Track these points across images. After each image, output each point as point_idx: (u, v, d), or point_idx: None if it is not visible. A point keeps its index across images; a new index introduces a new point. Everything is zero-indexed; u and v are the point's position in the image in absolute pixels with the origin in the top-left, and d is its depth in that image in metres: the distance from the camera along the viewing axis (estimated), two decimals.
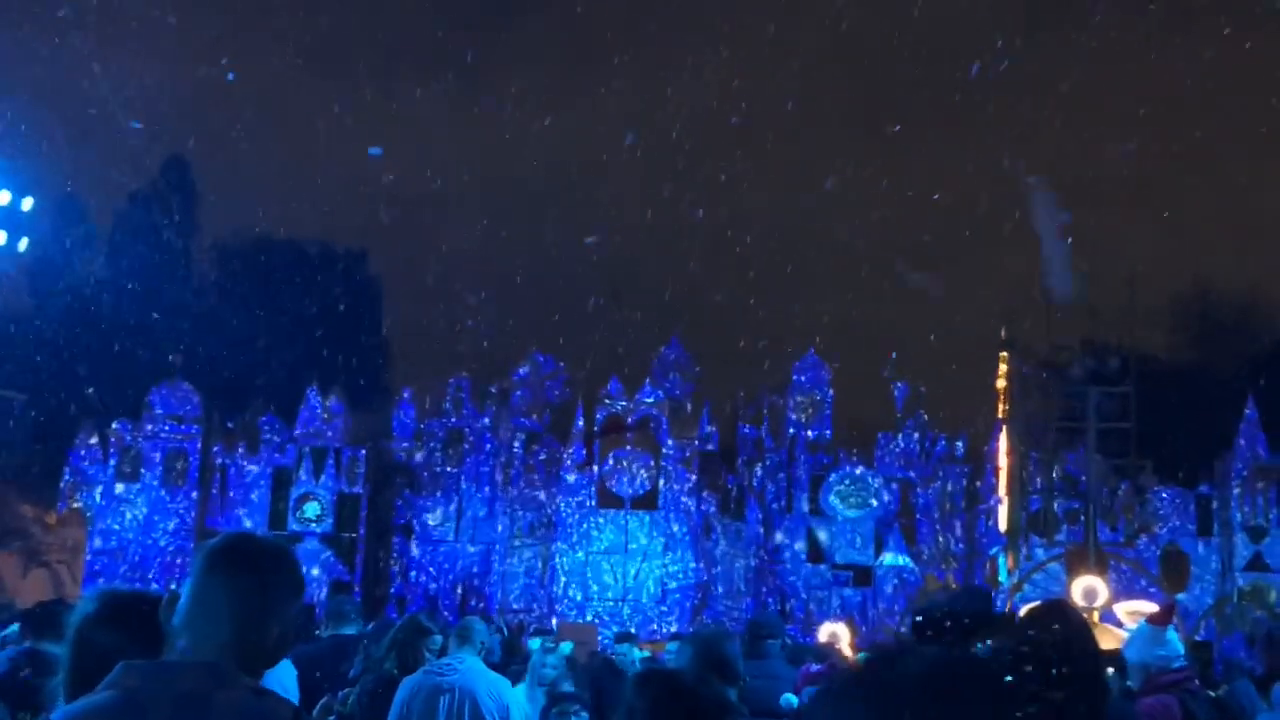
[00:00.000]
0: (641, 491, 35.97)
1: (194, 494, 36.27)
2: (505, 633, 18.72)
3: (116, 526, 35.85)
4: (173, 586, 3.04)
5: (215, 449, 36.66)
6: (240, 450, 36.71)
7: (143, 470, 36.10)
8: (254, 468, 36.63)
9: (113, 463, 36.17)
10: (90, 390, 37.89)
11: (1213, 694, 7.50)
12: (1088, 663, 4.53)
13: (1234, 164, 72.04)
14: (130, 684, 2.74)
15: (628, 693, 3.63)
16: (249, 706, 2.76)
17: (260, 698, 2.80)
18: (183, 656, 2.84)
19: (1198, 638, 30.37)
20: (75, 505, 35.46)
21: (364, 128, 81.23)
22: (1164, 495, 35.69)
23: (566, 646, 11.77)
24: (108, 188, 48.18)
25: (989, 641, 4.06)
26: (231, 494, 36.59)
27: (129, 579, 33.17)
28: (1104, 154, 76.75)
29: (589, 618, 33.86)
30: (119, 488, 35.93)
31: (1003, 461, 35.17)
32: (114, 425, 36.38)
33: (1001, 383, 36.00)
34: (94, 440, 36.48)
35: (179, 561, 35.01)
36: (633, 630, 30.43)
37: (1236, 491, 35.28)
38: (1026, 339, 35.73)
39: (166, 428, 36.25)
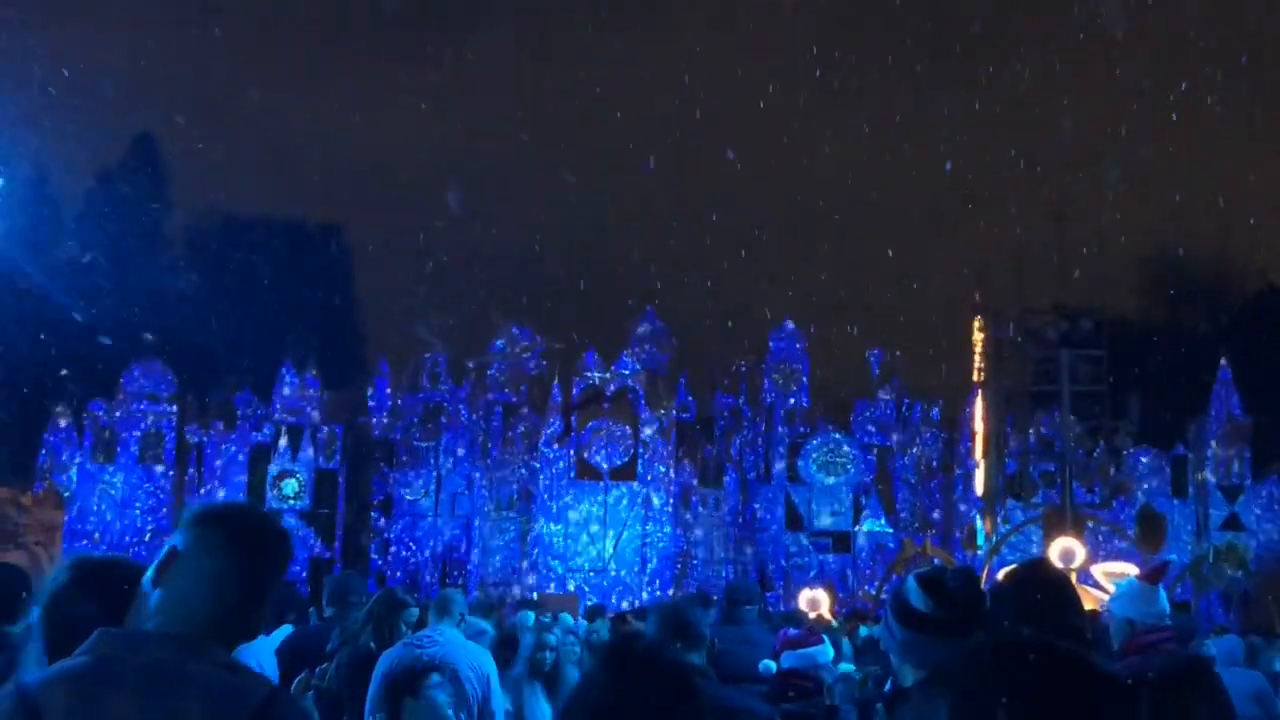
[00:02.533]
0: (620, 463, 35.96)
1: (170, 473, 36.18)
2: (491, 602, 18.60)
3: (93, 507, 35.74)
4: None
5: (191, 427, 36.53)
6: (216, 428, 36.59)
7: (118, 450, 35.98)
8: (231, 446, 36.52)
9: (88, 443, 36.03)
10: (64, 371, 37.66)
11: (1192, 651, 7.54)
12: (1066, 615, 4.55)
13: (1205, 128, 72.26)
14: (104, 651, 2.70)
15: (589, 662, 3.62)
16: (222, 681, 2.70)
17: (234, 673, 2.74)
18: (158, 626, 2.77)
19: (1174, 597, 30.60)
20: (51, 485, 35.30)
21: (337, 102, 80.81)
22: (1139, 457, 35.88)
23: (568, 619, 11.49)
24: (77, 166, 47.83)
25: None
26: (208, 472, 36.49)
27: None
28: (1077, 121, 76.86)
29: (570, 589, 33.89)
30: (95, 468, 35.81)
31: (978, 426, 35.31)
32: (89, 405, 36.22)
33: (976, 348, 36.10)
34: (69, 420, 36.30)
35: (156, 541, 34.92)
36: (615, 600, 30.53)
37: (1211, 452, 35.49)
38: (1000, 303, 35.84)
39: (142, 407, 36.12)
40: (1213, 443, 35.46)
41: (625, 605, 29.24)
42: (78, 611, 3.15)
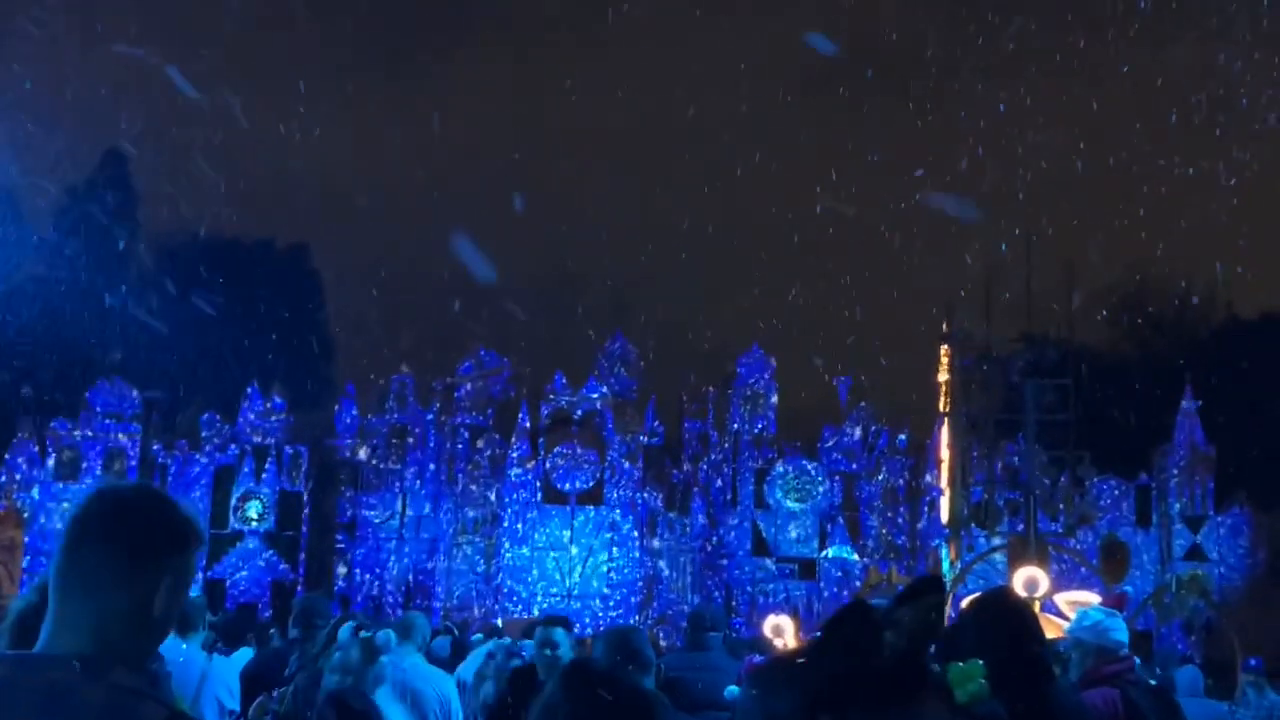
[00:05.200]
0: (586, 487, 35.92)
1: None
2: (455, 633, 18.58)
3: (55, 526, 35.41)
4: None
5: (155, 447, 36.28)
6: (181, 448, 36.35)
7: (82, 469, 35.69)
8: (195, 466, 36.29)
9: (51, 461, 35.73)
10: (27, 389, 37.37)
11: (1152, 682, 7.56)
12: (1030, 645, 4.56)
13: (1171, 158, 72.87)
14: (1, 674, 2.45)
15: (548, 687, 3.62)
16: (117, 706, 2.41)
17: (131, 697, 2.43)
18: (47, 646, 2.50)
19: (1137, 627, 30.70)
20: (13, 505, 34.98)
21: (307, 124, 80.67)
22: (1103, 486, 36.05)
23: (508, 641, 11.32)
24: (45, 184, 47.55)
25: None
26: (172, 492, 35.89)
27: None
28: (1045, 150, 77.37)
29: (535, 614, 33.78)
30: (57, 487, 35.50)
31: (944, 454, 35.40)
32: (52, 424, 35.93)
33: (943, 375, 36.22)
34: (31, 439, 35.99)
35: None
36: (580, 626, 30.39)
37: (1175, 482, 35.69)
38: (967, 332, 35.96)
39: (105, 426, 35.85)
40: (1176, 472, 35.66)
41: (579, 630, 29.14)
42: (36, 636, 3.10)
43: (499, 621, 29.18)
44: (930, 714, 2.18)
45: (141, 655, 2.52)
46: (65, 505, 35.34)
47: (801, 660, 2.53)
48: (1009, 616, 4.61)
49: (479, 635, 16.62)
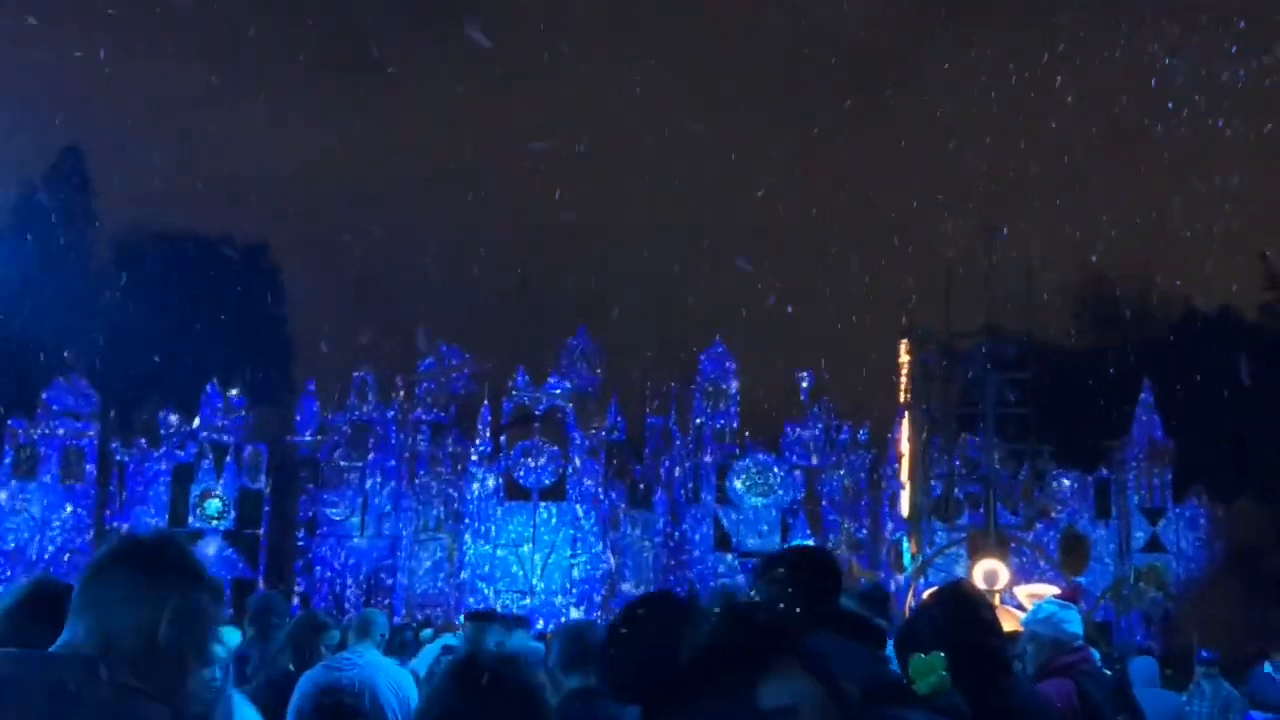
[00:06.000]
0: (549, 483, 35.88)
1: (93, 491, 35.63)
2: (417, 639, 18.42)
3: (13, 525, 35.12)
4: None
5: (114, 445, 36.01)
6: (140, 446, 36.10)
7: (39, 468, 35.40)
8: (154, 464, 36.03)
9: (8, 460, 35.42)
10: None
11: (1108, 673, 7.61)
12: (988, 638, 4.57)
13: (1131, 153, 73.38)
14: (1, 671, 2.63)
15: (434, 680, 3.62)
16: (123, 705, 2.61)
17: (137, 696, 2.64)
18: (62, 649, 2.71)
19: (1096, 618, 30.93)
20: None
21: (265, 118, 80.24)
22: (1063, 479, 36.28)
23: (449, 638, 11.02)
24: (1, 179, 47.04)
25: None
26: (131, 491, 35.97)
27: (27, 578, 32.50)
28: (1005, 146, 77.84)
29: (499, 610, 33.71)
30: (14, 485, 35.20)
31: (904, 448, 35.57)
32: (9, 422, 35.61)
33: (903, 369, 36.37)
34: None
35: (77, 560, 34.38)
36: (543, 623, 30.37)
37: (1133, 475, 35.95)
38: (927, 326, 36.13)
39: (63, 425, 35.55)
40: (1134, 465, 35.93)
41: (544, 626, 29.11)
42: (28, 633, 3.12)
43: (460, 618, 29.13)
44: (774, 691, 2.14)
45: (153, 674, 2.71)
46: (21, 503, 35.09)
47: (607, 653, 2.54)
48: (967, 609, 4.62)
49: (428, 631, 16.51)
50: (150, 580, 2.80)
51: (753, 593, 4.40)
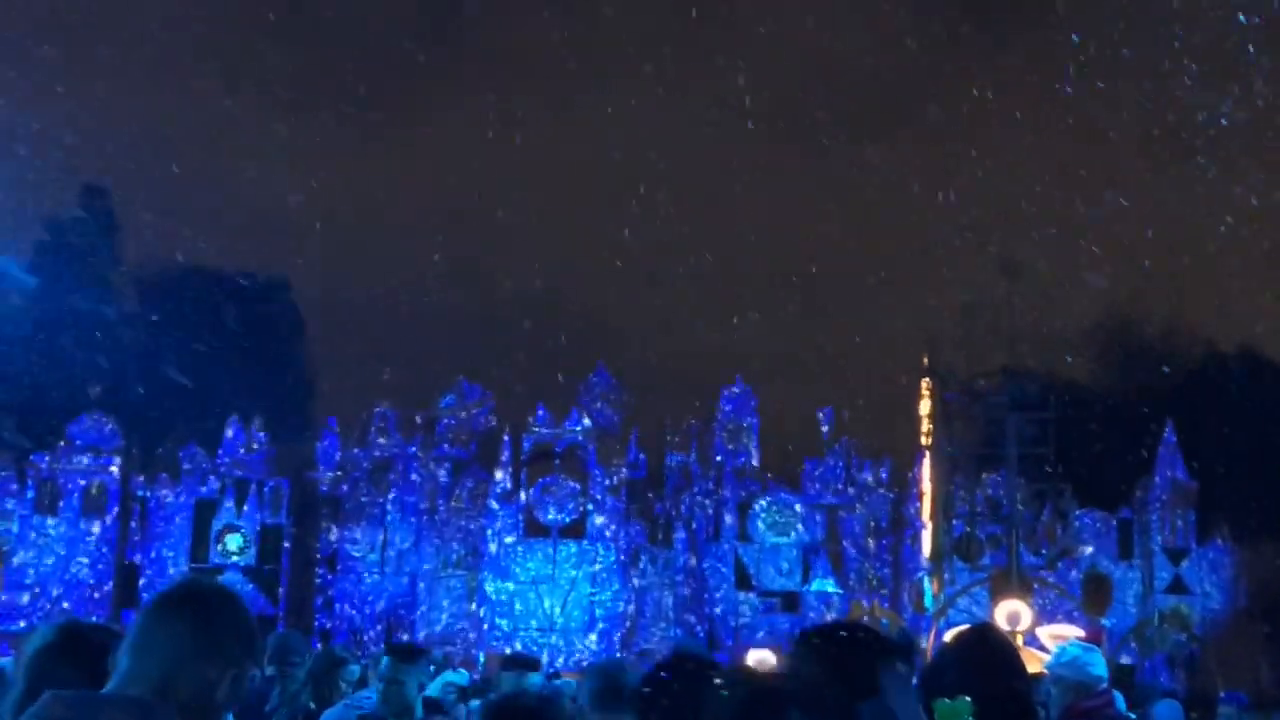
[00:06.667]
0: (569, 520, 35.83)
1: (114, 526, 35.69)
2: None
3: (34, 559, 35.19)
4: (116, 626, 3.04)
5: (136, 480, 36.10)
6: (161, 481, 36.18)
7: (61, 502, 35.49)
8: (175, 499, 36.10)
9: (30, 495, 35.52)
10: (7, 421, 37.16)
11: (1132, 717, 7.55)
12: (1014, 682, 4.54)
13: (1155, 193, 73.30)
14: (55, 714, 2.66)
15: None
16: None
17: None
18: (116, 692, 2.75)
19: (1120, 660, 30.68)
20: None
21: (289, 157, 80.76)
22: (1085, 519, 36.08)
23: (450, 674, 10.64)
24: (27, 216, 47.41)
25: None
26: (152, 526, 36.03)
27: (47, 612, 32.57)
28: (1028, 184, 77.82)
29: (517, 648, 33.63)
30: (36, 520, 35.29)
31: (926, 487, 35.43)
32: (31, 457, 35.74)
33: (925, 409, 36.27)
34: (10, 471, 35.79)
35: (97, 594, 34.44)
36: (563, 660, 30.27)
37: (1156, 515, 35.74)
38: (949, 366, 36.06)
39: (85, 459, 35.65)
40: (1158, 506, 35.72)
41: (563, 663, 29.04)
42: (58, 674, 3.15)
43: (480, 655, 29.07)
44: None
45: (195, 710, 2.79)
46: (45, 539, 35.18)
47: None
48: (991, 652, 4.58)
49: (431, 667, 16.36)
50: (214, 638, 2.85)
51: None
